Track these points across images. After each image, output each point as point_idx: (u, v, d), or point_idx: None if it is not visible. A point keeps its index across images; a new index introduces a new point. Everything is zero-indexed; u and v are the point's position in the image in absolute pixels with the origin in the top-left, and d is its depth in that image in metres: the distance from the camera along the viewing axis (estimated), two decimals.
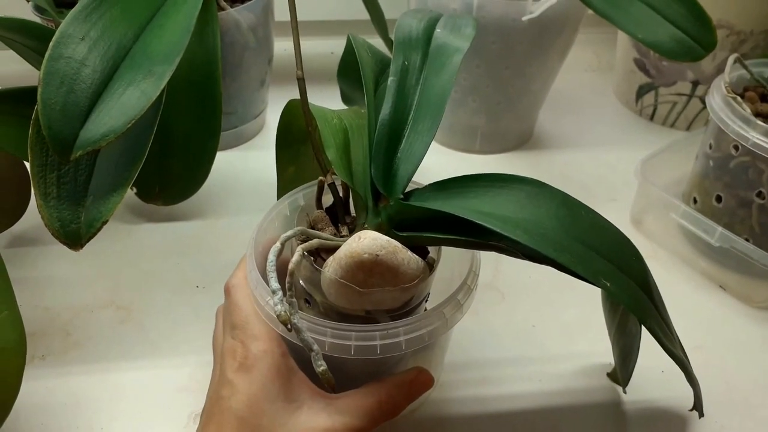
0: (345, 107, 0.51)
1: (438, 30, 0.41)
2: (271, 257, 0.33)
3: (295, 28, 0.41)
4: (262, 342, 0.36)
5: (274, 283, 0.32)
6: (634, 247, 0.34)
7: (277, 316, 0.31)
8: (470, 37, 0.40)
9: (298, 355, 0.36)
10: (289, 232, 0.35)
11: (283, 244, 0.34)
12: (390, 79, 0.38)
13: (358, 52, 0.41)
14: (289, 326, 0.32)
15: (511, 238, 0.30)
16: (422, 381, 0.38)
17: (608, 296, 0.42)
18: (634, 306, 0.31)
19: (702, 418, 0.42)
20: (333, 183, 0.40)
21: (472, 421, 0.46)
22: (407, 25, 0.41)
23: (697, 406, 0.40)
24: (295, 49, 0.41)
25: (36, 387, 0.46)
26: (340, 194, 0.40)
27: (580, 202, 0.34)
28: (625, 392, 0.46)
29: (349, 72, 0.47)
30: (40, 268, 0.55)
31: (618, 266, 0.32)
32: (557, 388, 0.48)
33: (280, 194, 0.50)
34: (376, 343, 0.34)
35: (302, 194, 0.43)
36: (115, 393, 0.46)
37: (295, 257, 0.33)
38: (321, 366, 0.32)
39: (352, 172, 0.39)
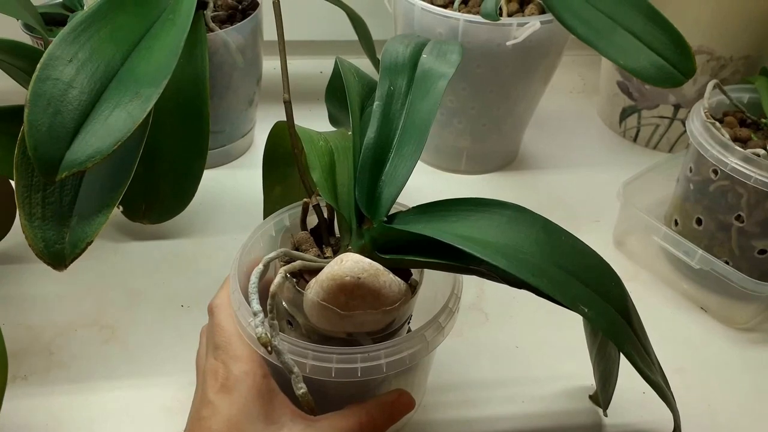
0: (332, 128, 0.52)
1: (424, 55, 0.42)
2: (254, 279, 0.34)
3: (282, 50, 0.42)
4: (243, 363, 0.36)
5: (256, 305, 0.33)
6: (613, 272, 0.34)
7: (258, 337, 0.32)
8: (456, 63, 0.41)
9: (281, 377, 0.36)
10: (272, 254, 0.35)
11: (266, 266, 0.35)
12: (375, 103, 0.39)
13: (345, 76, 0.42)
14: (269, 348, 0.32)
15: (490, 262, 0.31)
16: (403, 403, 0.38)
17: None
18: (612, 331, 0.32)
19: None
20: (318, 204, 0.40)
21: None
22: (394, 50, 0.42)
23: (677, 430, 0.41)
24: (282, 73, 0.41)
25: (18, 407, 0.45)
26: (325, 216, 0.41)
27: (560, 227, 0.34)
28: (605, 415, 0.47)
29: (337, 94, 0.48)
30: (23, 286, 0.54)
31: (596, 291, 0.32)
32: (540, 410, 0.48)
33: (266, 214, 0.51)
34: (357, 366, 0.34)
35: (288, 215, 0.43)
36: (98, 413, 0.46)
37: (277, 279, 0.33)
38: (301, 389, 0.32)
39: (337, 194, 0.39)
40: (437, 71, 0.41)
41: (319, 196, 0.40)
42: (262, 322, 0.32)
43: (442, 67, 0.41)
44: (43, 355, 0.49)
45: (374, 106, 0.39)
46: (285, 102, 0.41)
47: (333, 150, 0.42)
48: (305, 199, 0.40)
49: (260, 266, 0.34)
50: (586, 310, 0.31)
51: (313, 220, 0.41)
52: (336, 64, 0.45)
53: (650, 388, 0.36)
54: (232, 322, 0.38)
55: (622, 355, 0.40)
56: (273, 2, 0.42)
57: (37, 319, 0.52)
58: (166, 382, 0.48)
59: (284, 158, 0.48)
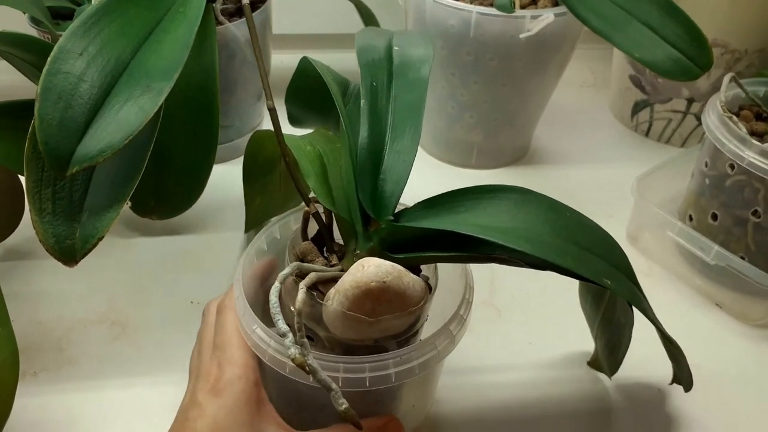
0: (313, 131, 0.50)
1: (395, 48, 0.40)
2: (273, 299, 0.32)
3: (259, 57, 0.39)
4: (237, 368, 0.36)
5: (283, 326, 0.31)
6: (613, 239, 0.35)
7: (292, 359, 0.30)
8: (429, 47, 0.40)
9: (285, 389, 0.36)
10: (287, 270, 0.34)
11: (282, 284, 0.33)
12: (362, 101, 0.37)
13: (324, 75, 0.40)
14: (306, 369, 0.30)
15: (514, 248, 0.30)
16: (391, 429, 0.37)
17: (591, 291, 0.42)
18: (633, 299, 0.32)
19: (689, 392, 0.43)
20: (317, 212, 0.39)
21: None
22: (368, 45, 0.40)
23: (684, 379, 0.41)
24: (262, 80, 0.39)
25: (29, 404, 0.45)
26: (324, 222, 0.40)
27: (563, 204, 0.35)
28: (610, 379, 0.47)
29: (300, 95, 0.46)
30: (33, 282, 0.54)
31: (608, 262, 0.33)
32: (554, 407, 0.47)
33: (248, 225, 0.50)
34: (390, 372, 0.34)
35: (278, 227, 0.42)
36: (108, 410, 0.46)
37: (300, 295, 0.31)
38: (343, 404, 0.30)
39: (333, 198, 0.38)
40: (415, 59, 0.39)
41: (317, 203, 0.38)
42: (293, 343, 0.30)
43: (418, 52, 0.39)
44: (53, 351, 0.49)
45: (361, 104, 0.37)
46: (270, 109, 0.38)
47: (321, 154, 0.40)
48: (306, 209, 0.38)
49: (277, 284, 0.33)
50: (609, 282, 0.31)
51: (310, 229, 0.40)
52: (301, 63, 0.43)
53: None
54: (235, 325, 0.37)
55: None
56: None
57: (48, 315, 0.52)
58: (177, 378, 0.47)
59: (264, 168, 0.47)
